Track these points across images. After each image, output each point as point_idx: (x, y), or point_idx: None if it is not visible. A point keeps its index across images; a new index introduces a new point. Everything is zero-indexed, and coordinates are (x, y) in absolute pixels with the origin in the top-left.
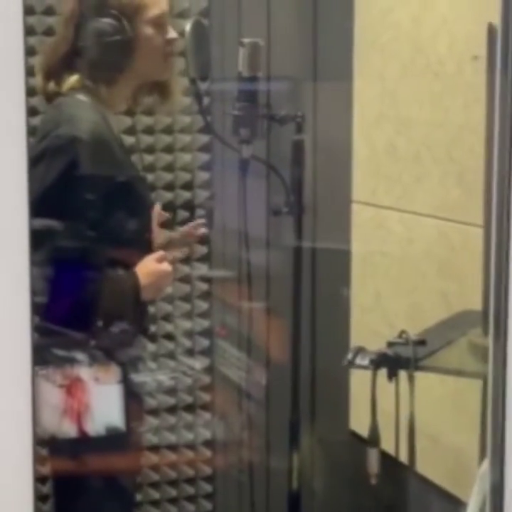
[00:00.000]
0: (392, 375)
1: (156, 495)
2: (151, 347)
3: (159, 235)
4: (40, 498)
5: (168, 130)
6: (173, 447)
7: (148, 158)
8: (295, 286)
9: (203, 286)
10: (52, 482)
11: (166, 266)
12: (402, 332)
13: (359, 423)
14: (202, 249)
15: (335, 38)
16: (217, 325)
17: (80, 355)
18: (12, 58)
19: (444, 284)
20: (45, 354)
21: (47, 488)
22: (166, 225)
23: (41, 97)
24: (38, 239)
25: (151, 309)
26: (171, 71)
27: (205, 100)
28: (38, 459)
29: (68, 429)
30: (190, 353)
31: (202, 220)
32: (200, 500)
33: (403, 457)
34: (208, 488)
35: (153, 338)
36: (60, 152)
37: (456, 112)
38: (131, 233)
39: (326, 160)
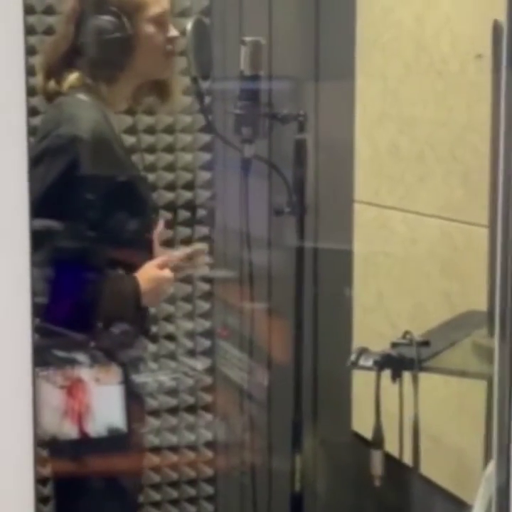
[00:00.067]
0: (396, 376)
1: (157, 496)
2: (152, 347)
3: (160, 255)
4: (41, 499)
5: (169, 130)
6: (174, 448)
7: (150, 158)
8: (297, 286)
9: (205, 287)
10: (53, 483)
11: (166, 272)
12: (406, 333)
13: (361, 424)
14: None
15: (337, 37)
16: (218, 325)
17: (80, 356)
18: (12, 58)
19: (447, 285)
20: (45, 355)
21: (48, 490)
22: (167, 225)
23: (41, 96)
24: (38, 239)
25: (152, 310)
26: (171, 70)
27: (207, 99)
28: (38, 461)
29: (69, 431)
30: (191, 353)
31: (203, 246)
32: (202, 502)
33: (406, 459)
34: (209, 489)
35: (154, 338)
36: (61, 152)
37: (460, 111)
38: (132, 233)
39: (328, 159)
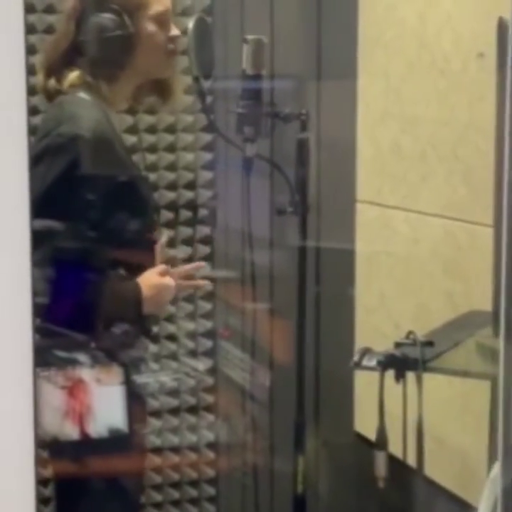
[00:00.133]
0: (399, 376)
1: (158, 497)
2: (153, 348)
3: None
4: (42, 500)
5: (171, 129)
6: (176, 449)
7: (151, 158)
8: (299, 286)
9: (206, 287)
10: (54, 484)
11: (168, 280)
12: (410, 333)
13: (364, 425)
14: (205, 270)
15: (339, 35)
16: (220, 326)
17: (81, 357)
18: (13, 57)
19: (450, 284)
20: (46, 356)
21: (49, 491)
22: (169, 225)
23: (42, 95)
24: (39, 239)
25: None
26: (173, 69)
27: (208, 98)
28: (39, 462)
29: (70, 431)
30: (193, 354)
31: (203, 264)
32: (204, 503)
33: (410, 460)
34: (211, 490)
35: (155, 339)
36: (62, 150)
37: (462, 110)
38: (133, 233)
39: (330, 159)
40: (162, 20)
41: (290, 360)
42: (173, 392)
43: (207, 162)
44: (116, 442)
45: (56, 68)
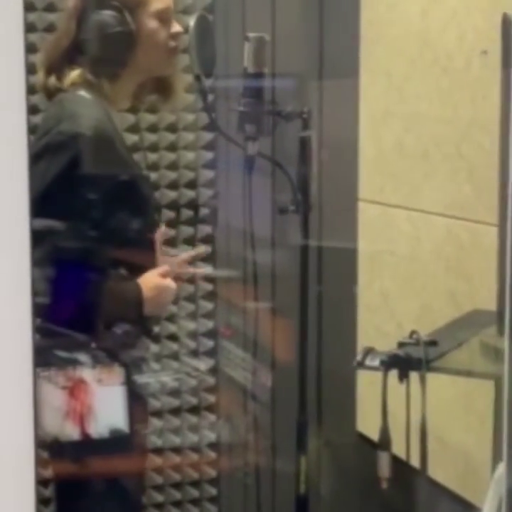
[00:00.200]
0: (403, 376)
1: (160, 498)
2: (154, 348)
3: (163, 256)
4: (42, 501)
5: (172, 128)
6: (177, 449)
7: (152, 157)
8: (301, 285)
9: (208, 287)
10: (55, 485)
11: (169, 281)
12: (413, 332)
13: (366, 425)
14: (207, 268)
15: (341, 34)
16: (221, 325)
17: (82, 357)
18: (12, 55)
19: (453, 284)
20: (47, 356)
21: (49, 491)
22: (170, 224)
23: (42, 95)
24: (39, 238)
25: None
26: (174, 66)
27: (210, 97)
28: (40, 462)
29: (71, 432)
30: (194, 354)
31: (205, 249)
32: (205, 503)
33: (413, 460)
34: (212, 491)
35: (156, 338)
36: (62, 148)
37: (465, 108)
38: (134, 232)
39: (332, 157)
40: (163, 18)
41: (292, 359)
42: (175, 392)
43: (208, 161)
44: (117, 443)
45: (57, 66)
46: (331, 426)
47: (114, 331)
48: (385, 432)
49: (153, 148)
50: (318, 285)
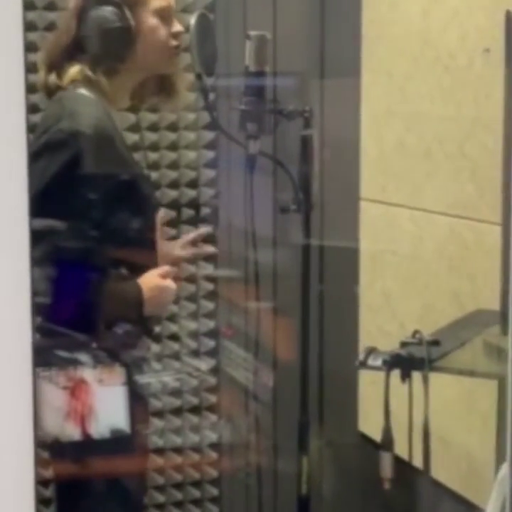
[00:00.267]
0: (405, 376)
1: (161, 498)
2: (155, 348)
3: (163, 245)
4: (42, 501)
5: (173, 127)
6: (178, 450)
7: (153, 156)
8: (303, 285)
9: (209, 286)
10: (55, 485)
11: (169, 282)
12: (416, 332)
13: (368, 425)
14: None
15: (343, 32)
16: (223, 325)
17: (83, 357)
18: (12, 54)
19: (456, 283)
20: (48, 356)
21: (50, 492)
22: (171, 223)
23: (42, 93)
24: (38, 237)
25: None
26: (175, 65)
27: (211, 96)
28: (40, 462)
29: (72, 432)
30: (195, 353)
31: (208, 229)
32: (206, 504)
33: (415, 461)
34: (214, 491)
35: (157, 338)
36: (62, 146)
37: (468, 107)
38: (134, 232)
39: (334, 156)
40: (164, 16)
41: (293, 359)
42: (176, 392)
43: (209, 160)
44: (118, 443)
45: (57, 64)
46: (332, 426)
47: (115, 331)
48: (387, 432)
49: (154, 147)
50: (319, 284)
